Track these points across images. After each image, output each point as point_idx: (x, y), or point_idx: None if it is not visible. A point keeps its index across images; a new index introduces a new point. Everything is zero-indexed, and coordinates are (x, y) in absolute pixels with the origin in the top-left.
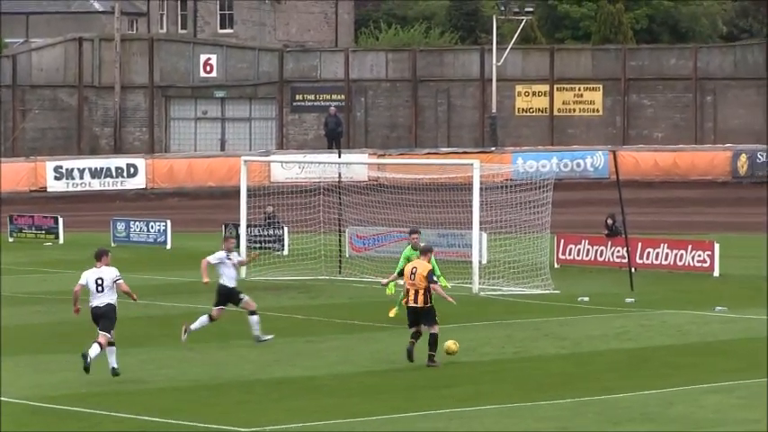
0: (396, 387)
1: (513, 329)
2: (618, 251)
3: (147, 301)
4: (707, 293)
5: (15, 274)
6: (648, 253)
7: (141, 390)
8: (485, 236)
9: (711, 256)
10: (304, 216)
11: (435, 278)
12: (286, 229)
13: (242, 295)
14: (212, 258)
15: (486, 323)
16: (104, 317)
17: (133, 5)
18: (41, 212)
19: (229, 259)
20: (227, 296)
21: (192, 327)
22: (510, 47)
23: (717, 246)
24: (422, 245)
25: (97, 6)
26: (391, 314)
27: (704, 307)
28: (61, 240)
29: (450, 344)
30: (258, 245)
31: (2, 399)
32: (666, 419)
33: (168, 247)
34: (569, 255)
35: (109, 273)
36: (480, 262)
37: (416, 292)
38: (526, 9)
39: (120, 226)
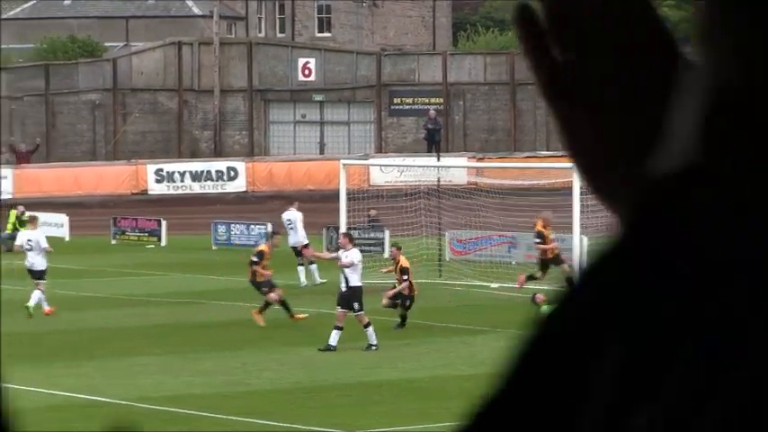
0: None
1: None
2: None
3: (248, 303)
4: None
5: (117, 276)
6: None
7: (242, 392)
8: (585, 239)
9: None
10: (404, 219)
11: None
12: (387, 232)
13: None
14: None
15: None
16: None
17: (231, 9)
18: (142, 215)
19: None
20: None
21: None
22: None
23: None
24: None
25: (196, 10)
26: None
27: None
28: (163, 243)
29: None
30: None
31: (98, 399)
32: None
33: None
34: None
35: None
36: (582, 266)
37: None
38: None
39: (221, 229)
